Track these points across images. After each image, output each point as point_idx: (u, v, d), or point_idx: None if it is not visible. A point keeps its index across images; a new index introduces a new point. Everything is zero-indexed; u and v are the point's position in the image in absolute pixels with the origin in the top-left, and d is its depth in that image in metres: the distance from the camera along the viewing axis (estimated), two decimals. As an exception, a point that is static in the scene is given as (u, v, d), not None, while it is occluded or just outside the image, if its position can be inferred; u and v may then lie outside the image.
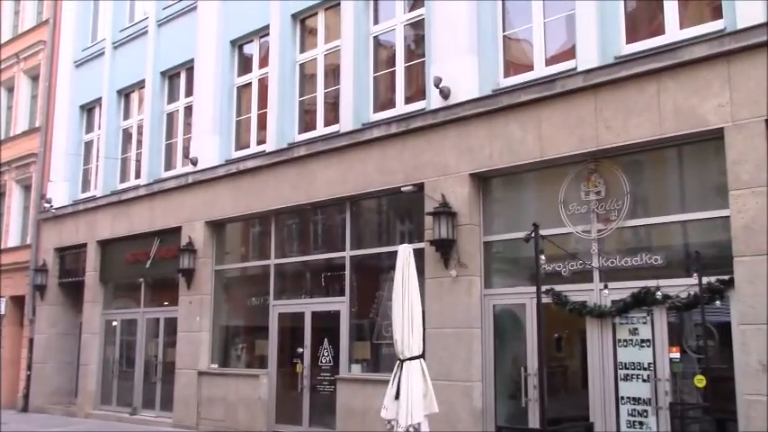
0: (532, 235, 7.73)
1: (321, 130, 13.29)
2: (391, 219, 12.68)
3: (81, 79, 19.86)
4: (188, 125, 16.36)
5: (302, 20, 14.14)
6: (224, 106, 15.24)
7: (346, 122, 12.54)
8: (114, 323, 17.79)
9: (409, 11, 12.30)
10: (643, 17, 9.71)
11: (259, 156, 14.00)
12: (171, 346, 15.74)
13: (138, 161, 17.53)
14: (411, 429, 8.05)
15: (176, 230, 15.53)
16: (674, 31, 9.14)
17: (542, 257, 7.88)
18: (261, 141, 14.40)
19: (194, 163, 15.30)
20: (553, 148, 9.80)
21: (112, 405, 17.28)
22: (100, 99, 18.94)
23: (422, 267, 10.55)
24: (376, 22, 12.81)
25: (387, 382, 8.72)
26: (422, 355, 8.47)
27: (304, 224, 13.81)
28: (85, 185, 19.45)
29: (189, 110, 16.36)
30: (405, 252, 8.69)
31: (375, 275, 12.49)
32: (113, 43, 18.74)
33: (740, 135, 8.14)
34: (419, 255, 10.28)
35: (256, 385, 13.47)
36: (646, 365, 8.94)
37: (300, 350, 13.08)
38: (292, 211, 13.63)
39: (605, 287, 9.23)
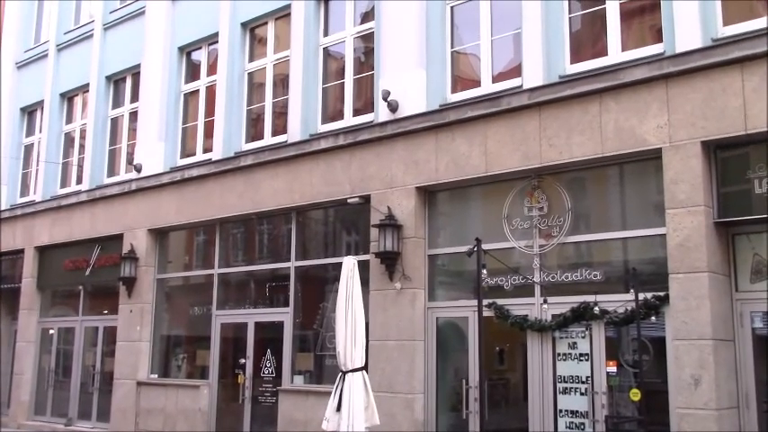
0: (475, 249, 7.84)
1: (268, 139, 13.23)
2: (337, 230, 12.68)
3: (23, 81, 19.42)
4: (133, 131, 16.11)
5: (252, 29, 14.09)
6: (170, 113, 15.07)
7: (294, 133, 12.52)
8: (51, 331, 17.37)
9: (359, 23, 12.37)
10: (587, 38, 9.96)
11: (205, 164, 13.88)
12: (109, 356, 15.45)
13: (80, 166, 17.17)
14: (352, 441, 8.05)
15: (118, 238, 15.27)
16: (616, 52, 9.39)
17: (484, 272, 8.00)
18: (207, 149, 14.26)
19: (138, 170, 15.08)
20: (498, 163, 9.95)
21: (47, 416, 16.83)
22: (42, 102, 18.53)
23: (366, 279, 10.56)
24: (326, 33, 12.84)
25: (329, 393, 8.70)
26: (364, 367, 8.48)
27: (249, 234, 13.70)
28: (24, 190, 18.99)
29: (134, 115, 16.11)
30: (349, 264, 8.70)
31: (320, 286, 12.46)
32: (57, 45, 18.38)
33: (677, 156, 8.39)
34: (364, 266, 10.29)
35: (197, 396, 13.29)
36: (584, 379, 9.11)
37: (243, 361, 12.96)
38: (237, 220, 13.53)
39: (545, 302, 9.38)
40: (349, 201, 11.51)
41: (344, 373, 8.29)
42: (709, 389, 7.86)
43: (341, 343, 8.34)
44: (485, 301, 8.93)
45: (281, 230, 13.05)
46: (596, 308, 8.86)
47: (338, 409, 8.16)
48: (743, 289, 8.40)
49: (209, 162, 13.82)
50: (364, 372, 8.42)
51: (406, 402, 10.34)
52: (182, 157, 14.89)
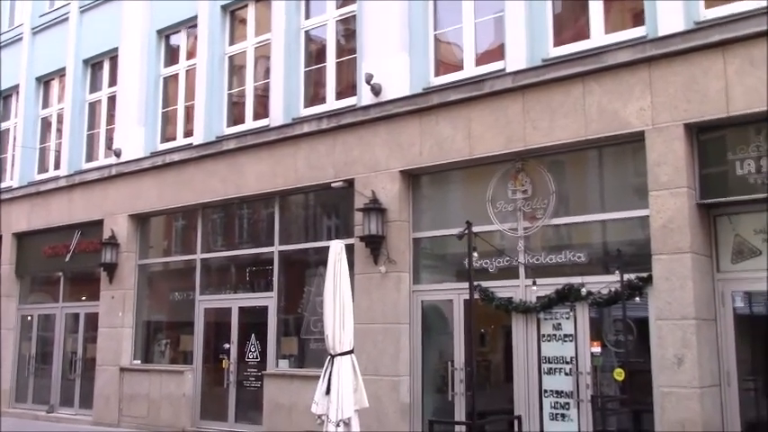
0: (466, 232, 7.88)
1: (250, 123, 13.16)
2: (320, 214, 12.67)
3: (-3, 65, 19.14)
4: (111, 116, 15.93)
5: (232, 11, 13.96)
6: (149, 97, 14.91)
7: (276, 117, 12.46)
8: (30, 318, 17.22)
9: (341, 6, 12.30)
10: (570, 21, 9.99)
11: (186, 149, 13.77)
12: (91, 342, 15.37)
13: (58, 151, 16.97)
14: (341, 424, 8.08)
15: (98, 223, 15.14)
16: (599, 35, 9.43)
17: (475, 255, 8.04)
18: (188, 134, 14.15)
19: (118, 155, 14.94)
20: (482, 146, 9.98)
21: (28, 403, 16.72)
22: (17, 86, 18.25)
23: (351, 263, 10.54)
24: (307, 16, 12.76)
25: (314, 377, 8.77)
26: (352, 351, 8.51)
27: (231, 218, 13.64)
28: (1, 175, 18.72)
29: (112, 100, 15.93)
30: (336, 248, 8.70)
31: (303, 271, 12.47)
32: (33, 29, 18.09)
33: (660, 138, 8.47)
34: (348, 250, 10.25)
35: (181, 381, 13.27)
36: (568, 359, 9.23)
37: (227, 346, 12.95)
38: (220, 205, 13.47)
39: (534, 283, 9.44)
40: (332, 185, 11.49)
41: (333, 356, 8.32)
42: (691, 368, 8.00)
43: (329, 327, 8.35)
44: (470, 284, 8.99)
45: (264, 215, 13.02)
46: (583, 289, 8.95)
47: (327, 392, 8.19)
48: (724, 269, 8.54)
49: (190, 147, 13.71)
50: (353, 355, 8.45)
51: (392, 385, 10.41)
52: (162, 141, 14.76)
